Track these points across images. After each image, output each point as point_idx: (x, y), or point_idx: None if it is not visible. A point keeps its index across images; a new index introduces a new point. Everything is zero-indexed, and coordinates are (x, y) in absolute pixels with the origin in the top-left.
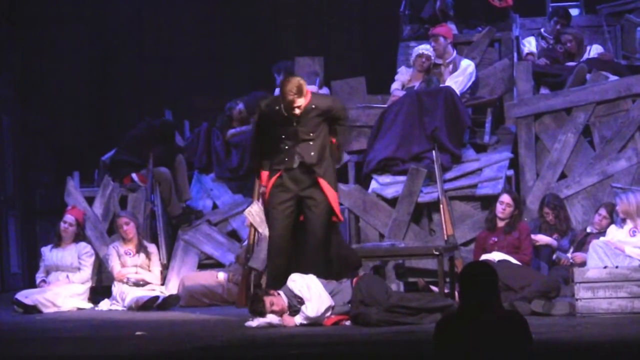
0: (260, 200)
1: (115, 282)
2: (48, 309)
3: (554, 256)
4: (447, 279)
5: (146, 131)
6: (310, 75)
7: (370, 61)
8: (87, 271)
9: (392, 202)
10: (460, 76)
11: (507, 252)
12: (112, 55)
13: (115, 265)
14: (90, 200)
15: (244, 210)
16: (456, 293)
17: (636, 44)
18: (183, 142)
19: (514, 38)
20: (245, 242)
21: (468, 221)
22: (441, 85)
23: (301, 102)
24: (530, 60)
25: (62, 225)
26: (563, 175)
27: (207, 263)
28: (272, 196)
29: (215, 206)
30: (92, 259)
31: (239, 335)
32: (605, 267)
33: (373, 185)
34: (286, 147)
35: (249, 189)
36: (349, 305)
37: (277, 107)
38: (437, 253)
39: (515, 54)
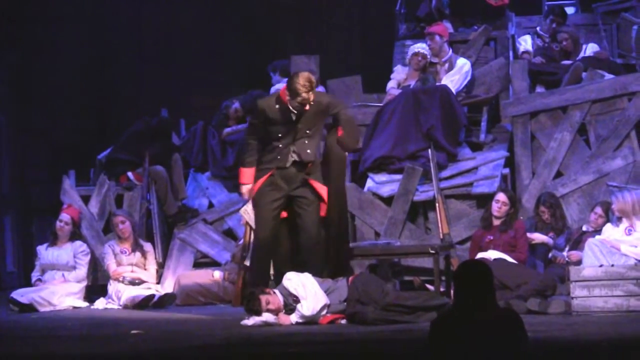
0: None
1: (111, 281)
2: (44, 308)
3: (550, 255)
4: (443, 278)
5: (143, 129)
6: None
7: (366, 60)
8: (82, 270)
9: (388, 200)
10: (456, 75)
11: (503, 251)
12: (110, 54)
13: (111, 263)
14: (86, 199)
15: (239, 209)
16: (452, 292)
17: (632, 43)
18: (179, 140)
19: (509, 36)
20: (241, 241)
21: (464, 220)
22: (437, 84)
23: (312, 97)
24: (526, 58)
25: (58, 224)
26: (559, 174)
27: (203, 262)
28: (262, 195)
29: (211, 205)
30: (88, 257)
31: (235, 334)
32: (601, 266)
33: (369, 183)
34: (280, 146)
35: None
36: (345, 303)
37: (278, 106)
38: (433, 252)
39: (511, 53)
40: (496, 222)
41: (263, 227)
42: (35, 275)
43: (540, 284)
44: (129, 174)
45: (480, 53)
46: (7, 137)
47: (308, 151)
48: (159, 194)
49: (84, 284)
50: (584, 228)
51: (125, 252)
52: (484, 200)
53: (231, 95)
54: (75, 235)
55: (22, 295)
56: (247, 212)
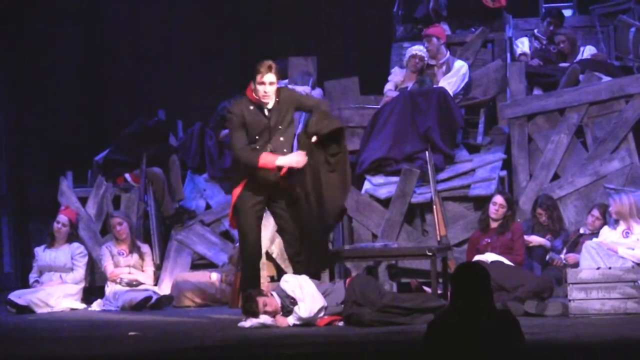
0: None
1: (109, 282)
2: (41, 309)
3: (547, 257)
4: (440, 280)
5: (140, 131)
6: (304, 75)
7: (364, 61)
8: (80, 271)
9: (385, 202)
10: (453, 77)
11: (500, 253)
12: (107, 55)
13: (108, 265)
14: (83, 201)
15: None
16: (449, 294)
17: (629, 45)
18: (176, 142)
19: (507, 39)
20: (238, 243)
21: (461, 222)
22: (434, 86)
23: (273, 78)
24: (523, 60)
25: (56, 225)
26: (556, 176)
27: (200, 263)
28: (243, 199)
29: (208, 206)
30: (86, 259)
31: (232, 336)
32: (598, 268)
33: (366, 185)
34: (257, 147)
35: None
36: (342, 305)
37: (252, 107)
38: (430, 254)
39: (508, 55)
40: (493, 225)
41: (249, 232)
42: (32, 277)
43: (537, 286)
44: (127, 175)
45: (477, 55)
46: (4, 137)
47: (284, 150)
48: (156, 195)
49: (82, 285)
50: (581, 230)
51: (123, 254)
52: (481, 203)
53: (228, 96)
54: (73, 236)
55: (19, 296)
56: None
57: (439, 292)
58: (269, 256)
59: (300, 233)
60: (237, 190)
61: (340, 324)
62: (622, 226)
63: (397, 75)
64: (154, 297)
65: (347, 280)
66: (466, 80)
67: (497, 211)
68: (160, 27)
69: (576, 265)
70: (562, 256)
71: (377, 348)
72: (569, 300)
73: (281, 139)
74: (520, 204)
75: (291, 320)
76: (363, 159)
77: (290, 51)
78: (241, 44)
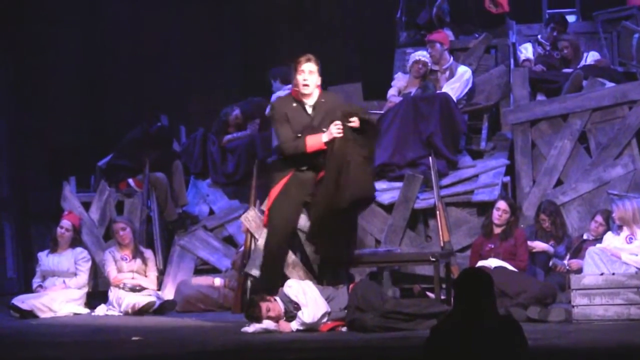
0: (258, 204)
1: (112, 288)
2: (44, 314)
3: (550, 263)
4: (443, 285)
5: (141, 137)
6: None
7: (367, 67)
8: (83, 276)
9: (389, 208)
10: (456, 82)
11: (504, 259)
12: (109, 59)
13: (111, 270)
14: (86, 206)
15: (240, 215)
16: (452, 299)
17: (632, 51)
18: (179, 147)
19: (510, 44)
20: (242, 248)
21: (464, 227)
22: (437, 91)
23: (312, 67)
24: (526, 66)
25: (59, 230)
26: (559, 182)
27: (203, 268)
28: (281, 198)
29: (211, 212)
30: (89, 264)
31: (235, 341)
32: (601, 274)
33: None
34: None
35: (245, 194)
36: (345, 311)
37: (295, 104)
38: (433, 259)
39: (511, 61)
40: (497, 230)
41: (279, 233)
42: (35, 282)
43: (540, 292)
44: (130, 180)
45: (480, 61)
46: (6, 141)
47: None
48: (159, 200)
49: (85, 290)
50: (585, 236)
51: (126, 259)
52: (485, 208)
53: (230, 101)
54: (76, 241)
55: (22, 301)
56: (248, 219)
57: (442, 297)
58: None
59: (323, 214)
60: (276, 190)
61: (343, 329)
62: (625, 232)
63: (400, 81)
64: (157, 302)
65: (351, 286)
66: (469, 85)
67: (500, 217)
68: (161, 28)
69: (579, 271)
70: (566, 262)
71: (379, 354)
72: (572, 306)
73: None
74: (523, 209)
75: (294, 325)
76: None
77: (293, 56)
78: (244, 49)
